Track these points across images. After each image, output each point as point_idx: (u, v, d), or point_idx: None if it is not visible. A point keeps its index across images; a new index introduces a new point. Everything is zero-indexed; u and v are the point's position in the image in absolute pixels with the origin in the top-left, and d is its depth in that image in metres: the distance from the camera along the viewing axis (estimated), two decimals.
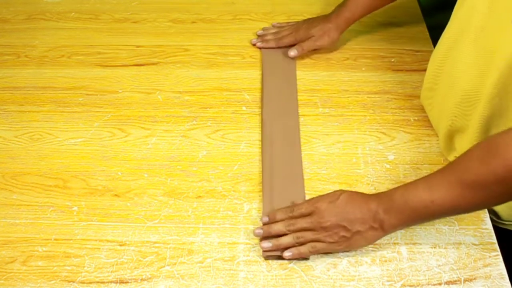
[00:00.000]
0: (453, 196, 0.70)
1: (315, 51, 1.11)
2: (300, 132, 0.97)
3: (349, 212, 0.76)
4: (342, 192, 0.78)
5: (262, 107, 1.00)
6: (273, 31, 1.15)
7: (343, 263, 0.79)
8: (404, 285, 0.76)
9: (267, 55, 1.11)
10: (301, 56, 1.11)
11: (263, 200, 0.86)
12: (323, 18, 1.10)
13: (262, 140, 0.95)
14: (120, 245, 0.81)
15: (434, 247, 0.80)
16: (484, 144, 0.70)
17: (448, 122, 0.87)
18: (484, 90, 0.79)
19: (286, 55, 1.10)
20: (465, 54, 0.82)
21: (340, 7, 1.09)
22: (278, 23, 1.19)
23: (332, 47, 1.11)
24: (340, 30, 1.09)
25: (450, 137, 0.89)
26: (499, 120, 0.80)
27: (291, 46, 1.10)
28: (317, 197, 0.80)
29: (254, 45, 1.14)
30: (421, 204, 0.72)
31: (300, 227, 0.78)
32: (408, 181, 0.88)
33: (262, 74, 1.07)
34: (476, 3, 0.79)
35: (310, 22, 1.11)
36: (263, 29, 1.18)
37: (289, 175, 0.89)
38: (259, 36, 1.15)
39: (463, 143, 0.86)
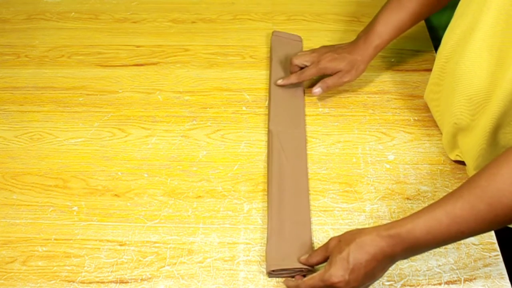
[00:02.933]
0: (486, 224, 0.66)
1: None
2: None
3: (366, 267, 0.69)
4: (346, 245, 0.69)
5: (269, 118, 0.98)
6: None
7: None
8: (404, 285, 0.76)
9: (275, 67, 1.08)
10: None
11: (268, 215, 0.83)
12: (350, 49, 0.99)
13: (268, 153, 0.92)
14: (120, 245, 0.81)
15: None
16: None
17: (453, 119, 0.86)
18: (495, 89, 0.78)
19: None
20: (473, 52, 0.81)
21: (367, 33, 0.98)
22: (299, 56, 1.03)
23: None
24: (368, 61, 0.99)
25: (454, 134, 0.89)
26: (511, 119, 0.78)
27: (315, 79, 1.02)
28: (326, 265, 0.71)
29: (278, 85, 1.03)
30: (449, 236, 0.67)
31: None
32: (408, 181, 0.88)
33: (270, 85, 1.04)
34: (486, 1, 0.78)
35: (336, 53, 0.99)
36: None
37: (295, 190, 0.87)
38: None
39: (467, 142, 0.86)
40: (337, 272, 0.69)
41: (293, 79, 1.01)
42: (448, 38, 0.87)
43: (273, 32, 1.14)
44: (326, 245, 0.74)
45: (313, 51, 1.02)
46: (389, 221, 0.72)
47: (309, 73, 1.00)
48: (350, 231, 0.72)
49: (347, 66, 0.97)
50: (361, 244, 0.69)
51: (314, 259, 0.75)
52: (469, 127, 0.85)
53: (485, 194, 0.64)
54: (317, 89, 0.99)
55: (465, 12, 0.83)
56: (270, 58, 1.10)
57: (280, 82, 1.02)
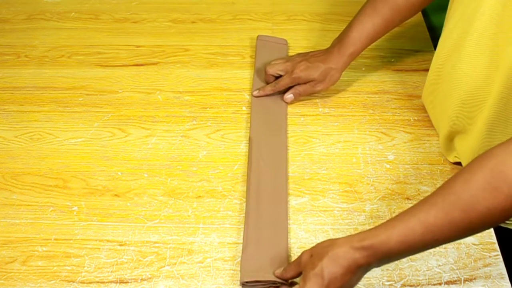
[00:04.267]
0: (461, 231, 0.65)
1: None
2: (300, 132, 0.97)
3: (342, 280, 0.67)
4: (319, 260, 0.68)
5: (250, 125, 0.97)
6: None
7: None
8: (404, 285, 0.76)
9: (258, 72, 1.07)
10: None
11: (245, 223, 0.83)
12: (324, 57, 0.99)
13: (248, 161, 0.91)
14: (120, 245, 0.81)
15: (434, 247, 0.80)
16: (488, 170, 0.62)
17: (449, 123, 0.87)
18: (490, 92, 0.78)
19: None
20: (468, 56, 0.81)
21: (342, 41, 0.98)
22: (273, 65, 1.03)
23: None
24: (343, 69, 0.99)
25: (451, 137, 0.89)
26: (506, 123, 0.78)
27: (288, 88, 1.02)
28: (301, 281, 0.69)
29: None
30: (424, 244, 0.66)
31: None
32: (408, 181, 0.88)
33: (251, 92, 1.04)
34: (481, 5, 0.78)
35: (310, 62, 0.99)
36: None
37: (274, 199, 0.86)
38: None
39: (464, 144, 0.86)
40: (310, 284, 0.67)
41: (268, 90, 1.02)
42: (444, 44, 0.88)
43: (258, 37, 1.14)
44: (298, 259, 0.72)
45: (287, 59, 1.03)
46: None
47: (283, 83, 1.01)
48: (322, 243, 0.71)
49: (320, 76, 0.98)
50: (334, 257, 0.67)
51: (288, 274, 0.74)
52: (466, 131, 0.85)
53: (459, 201, 0.63)
54: (289, 95, 1.01)
55: (461, 17, 0.83)
56: (254, 64, 1.09)
57: (255, 93, 1.03)
